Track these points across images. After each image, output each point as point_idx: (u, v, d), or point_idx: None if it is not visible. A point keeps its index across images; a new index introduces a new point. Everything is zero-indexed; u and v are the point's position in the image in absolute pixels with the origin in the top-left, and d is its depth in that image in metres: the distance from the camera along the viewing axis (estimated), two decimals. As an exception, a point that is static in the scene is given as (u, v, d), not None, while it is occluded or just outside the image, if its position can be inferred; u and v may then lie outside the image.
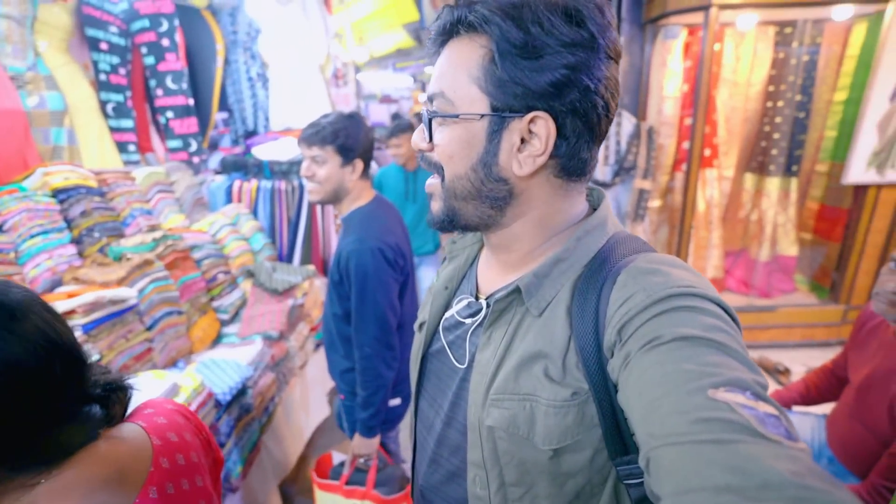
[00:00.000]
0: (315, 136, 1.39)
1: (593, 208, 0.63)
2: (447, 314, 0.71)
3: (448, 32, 0.55)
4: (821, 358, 3.12)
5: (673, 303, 0.46)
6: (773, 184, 3.11)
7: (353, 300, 1.39)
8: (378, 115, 7.81)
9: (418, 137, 0.59)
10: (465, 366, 0.65)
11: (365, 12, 4.76)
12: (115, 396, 0.67)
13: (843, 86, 2.89)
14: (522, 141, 0.54)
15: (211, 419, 1.49)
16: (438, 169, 0.58)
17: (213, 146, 3.26)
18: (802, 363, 3.03)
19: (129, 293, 1.54)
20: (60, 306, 1.34)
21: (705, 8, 2.55)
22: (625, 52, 3.09)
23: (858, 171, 2.83)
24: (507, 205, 0.58)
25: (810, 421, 1.54)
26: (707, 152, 2.97)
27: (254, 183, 2.76)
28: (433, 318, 0.73)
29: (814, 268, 3.45)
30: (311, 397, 2.39)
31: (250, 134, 3.37)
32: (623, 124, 2.94)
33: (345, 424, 1.68)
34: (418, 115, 6.33)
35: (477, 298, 0.67)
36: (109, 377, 0.68)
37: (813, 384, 1.58)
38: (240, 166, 2.94)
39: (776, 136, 3.00)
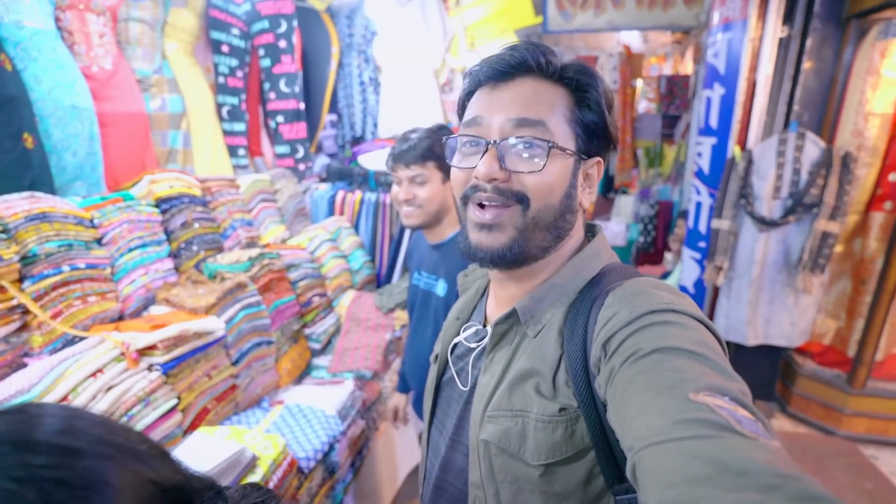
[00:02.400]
0: (412, 153, 1.23)
1: (588, 240, 0.67)
2: (455, 341, 0.74)
3: (524, 70, 0.59)
4: None
5: (654, 318, 0.48)
6: None
7: None
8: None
9: (494, 167, 0.57)
10: (469, 389, 0.68)
11: (480, 16, 4.53)
12: None
13: None
14: (584, 179, 0.62)
15: (292, 490, 1.24)
16: (519, 198, 0.58)
17: (319, 149, 3.16)
18: None
19: (216, 325, 1.35)
20: (141, 340, 1.16)
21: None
22: (812, 58, 2.44)
23: None
24: (566, 235, 0.62)
25: None
26: (927, 188, 2.22)
27: (358, 194, 2.57)
28: (444, 348, 0.76)
29: None
30: (400, 442, 2.11)
31: (357, 140, 3.23)
32: (806, 148, 2.30)
33: None
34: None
35: (484, 326, 0.71)
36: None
37: None
38: (345, 175, 2.79)
39: None
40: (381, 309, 2.10)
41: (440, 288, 1.30)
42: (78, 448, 0.31)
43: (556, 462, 0.56)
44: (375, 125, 3.19)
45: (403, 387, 1.62)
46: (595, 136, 0.60)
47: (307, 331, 1.91)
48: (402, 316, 2.11)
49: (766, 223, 2.39)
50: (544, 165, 0.56)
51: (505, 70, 0.59)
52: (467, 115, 0.62)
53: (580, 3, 3.50)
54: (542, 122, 0.57)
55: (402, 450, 2.13)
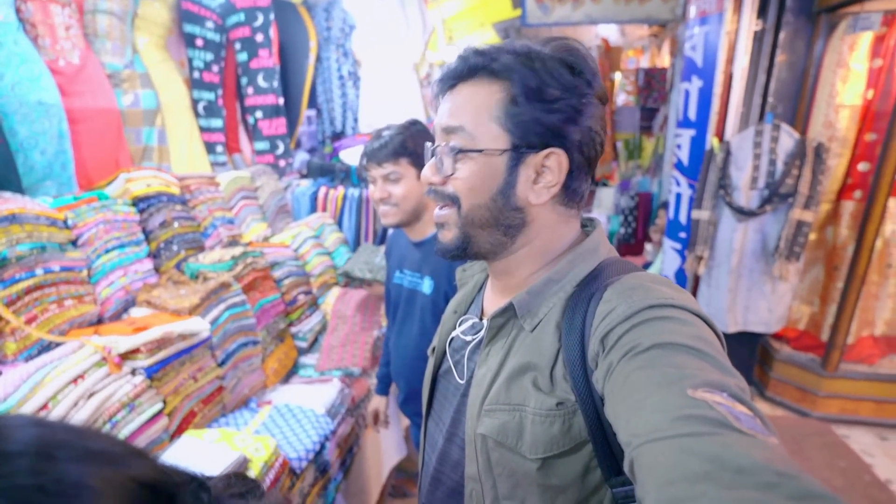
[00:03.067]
0: (384, 150, 1.20)
1: (586, 235, 0.66)
2: (452, 335, 0.75)
3: (463, 76, 0.61)
4: None
5: (652, 313, 0.48)
6: (984, 221, 2.38)
7: None
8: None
9: (429, 171, 0.63)
10: (465, 381, 0.69)
11: (458, 8, 4.50)
12: None
13: None
14: (537, 174, 0.60)
15: (284, 491, 1.22)
16: (453, 199, 0.62)
17: (299, 144, 3.11)
18: None
19: (201, 325, 1.31)
20: (123, 344, 1.12)
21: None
22: (785, 51, 2.50)
23: None
24: (518, 232, 0.63)
25: None
26: None
27: (340, 190, 2.54)
28: (442, 341, 0.77)
29: None
30: (387, 439, 2.10)
31: (337, 136, 3.18)
32: (781, 140, 2.36)
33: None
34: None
35: (481, 319, 0.72)
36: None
37: None
38: (326, 171, 2.75)
39: None
40: (353, 275, 2.06)
41: (426, 286, 1.27)
42: (52, 454, 0.30)
43: (553, 456, 0.56)
44: (356, 120, 3.14)
45: (383, 389, 1.59)
46: (533, 128, 0.58)
47: (293, 329, 1.88)
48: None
49: (744, 213, 2.45)
50: (455, 169, 0.60)
51: (448, 81, 0.62)
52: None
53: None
54: (461, 128, 0.59)
55: (387, 445, 2.12)
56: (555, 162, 0.60)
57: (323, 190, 2.55)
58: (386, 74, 3.05)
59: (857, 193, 2.48)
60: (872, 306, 2.60)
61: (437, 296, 1.24)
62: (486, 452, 0.61)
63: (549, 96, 0.57)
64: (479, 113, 0.59)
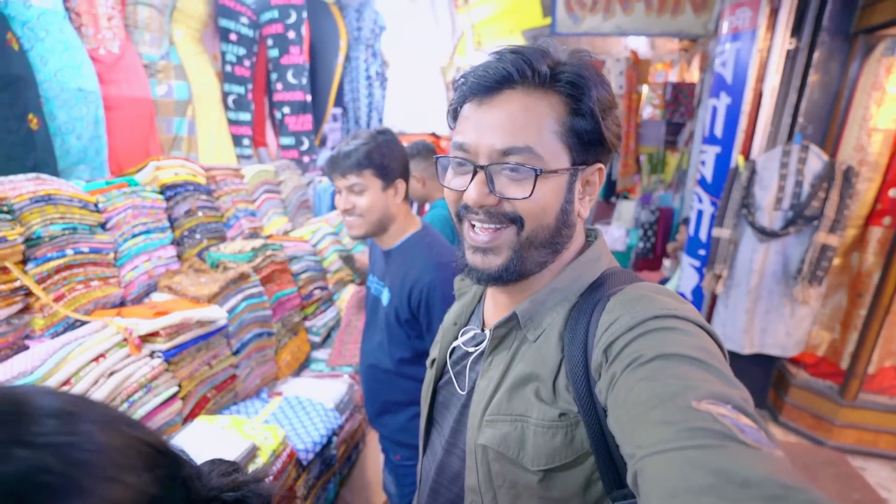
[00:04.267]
0: (346, 161, 1.17)
1: (588, 244, 0.66)
2: (453, 345, 0.73)
3: (514, 83, 0.55)
4: None
5: (656, 324, 0.48)
6: None
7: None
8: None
9: (484, 193, 0.57)
10: (467, 392, 0.68)
11: (488, 14, 4.52)
12: None
13: None
14: (583, 187, 0.60)
15: (290, 482, 1.24)
16: (513, 220, 0.58)
17: (323, 142, 3.16)
18: None
19: (219, 314, 1.35)
20: (144, 326, 1.16)
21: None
22: (819, 71, 2.45)
23: None
24: (563, 248, 0.62)
25: None
26: (927, 205, 2.24)
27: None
28: (442, 353, 0.75)
29: None
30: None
31: (361, 135, 3.22)
32: (809, 161, 2.31)
33: (392, 490, 1.35)
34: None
35: (482, 330, 0.70)
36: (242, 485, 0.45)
37: None
38: (348, 169, 2.78)
39: None
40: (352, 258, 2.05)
41: (385, 296, 1.25)
42: (78, 417, 0.33)
43: (555, 468, 0.55)
44: (381, 120, 3.18)
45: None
46: (591, 144, 0.57)
47: (307, 323, 1.91)
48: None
49: (766, 233, 2.40)
50: (532, 191, 0.55)
51: (490, 85, 0.56)
52: (457, 135, 0.60)
53: (589, 6, 3.50)
54: (529, 148, 0.55)
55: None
56: (598, 176, 0.61)
57: (343, 187, 2.58)
58: (413, 76, 3.08)
59: (887, 220, 2.41)
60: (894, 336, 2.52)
61: (390, 310, 1.21)
62: (486, 464, 0.61)
63: (608, 109, 0.57)
64: (542, 130, 0.55)
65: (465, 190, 0.58)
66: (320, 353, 1.90)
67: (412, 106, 3.04)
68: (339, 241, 2.26)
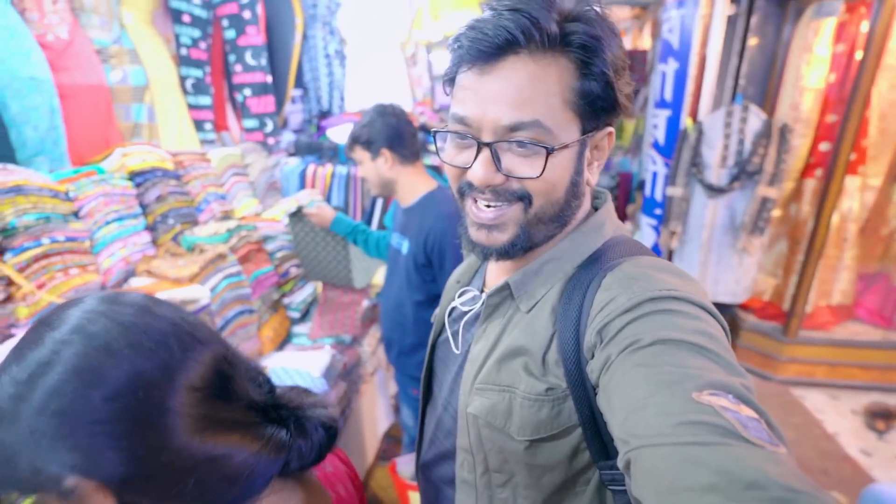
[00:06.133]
0: (348, 141, 1.48)
1: (595, 209, 0.63)
2: (451, 305, 0.73)
3: (519, 47, 0.49)
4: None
5: (654, 306, 0.45)
6: (932, 198, 2.56)
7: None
8: (449, 98, 7.53)
9: (486, 172, 0.53)
10: (462, 354, 0.68)
11: (444, -14, 4.48)
12: (311, 428, 0.51)
13: None
14: (592, 153, 0.57)
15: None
16: (521, 197, 0.55)
17: (286, 124, 3.13)
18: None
19: (201, 292, 1.39)
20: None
21: (878, -22, 2.05)
22: (756, 34, 2.61)
23: None
24: (572, 219, 0.59)
25: None
26: (852, 156, 2.47)
27: (328, 168, 2.59)
28: (442, 310, 0.76)
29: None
30: (377, 405, 2.22)
31: (324, 114, 3.21)
32: (749, 120, 2.49)
33: (410, 423, 1.66)
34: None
35: (482, 292, 0.69)
36: (309, 407, 0.53)
37: None
38: (314, 149, 2.79)
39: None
40: (356, 286, 2.15)
41: (405, 247, 1.49)
42: (152, 312, 0.44)
43: (540, 438, 0.56)
44: (343, 99, 3.18)
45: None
46: (603, 109, 0.53)
47: (286, 300, 1.96)
48: (376, 283, 2.19)
49: (714, 190, 2.59)
50: (543, 170, 0.52)
51: (491, 52, 0.50)
52: (455, 106, 0.55)
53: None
54: (537, 122, 0.50)
55: (380, 412, 2.24)
56: (608, 140, 0.57)
57: (311, 168, 2.61)
58: (372, 53, 3.08)
59: (819, 172, 2.64)
60: (830, 278, 2.79)
61: (409, 257, 1.46)
62: (476, 428, 0.61)
63: (621, 68, 0.52)
64: (550, 100, 0.50)
65: (468, 167, 0.54)
66: (301, 328, 1.96)
67: (373, 82, 3.05)
68: (311, 220, 2.30)
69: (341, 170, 2.57)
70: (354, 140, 1.45)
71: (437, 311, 0.78)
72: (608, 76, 0.51)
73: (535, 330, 0.57)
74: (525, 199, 0.54)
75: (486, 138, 0.52)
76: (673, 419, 0.36)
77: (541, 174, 0.52)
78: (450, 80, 0.57)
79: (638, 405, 0.39)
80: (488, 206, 0.56)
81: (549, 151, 0.51)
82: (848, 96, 2.31)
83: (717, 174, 2.60)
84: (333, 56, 3.09)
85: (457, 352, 0.69)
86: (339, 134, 2.92)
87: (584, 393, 0.52)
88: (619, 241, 0.59)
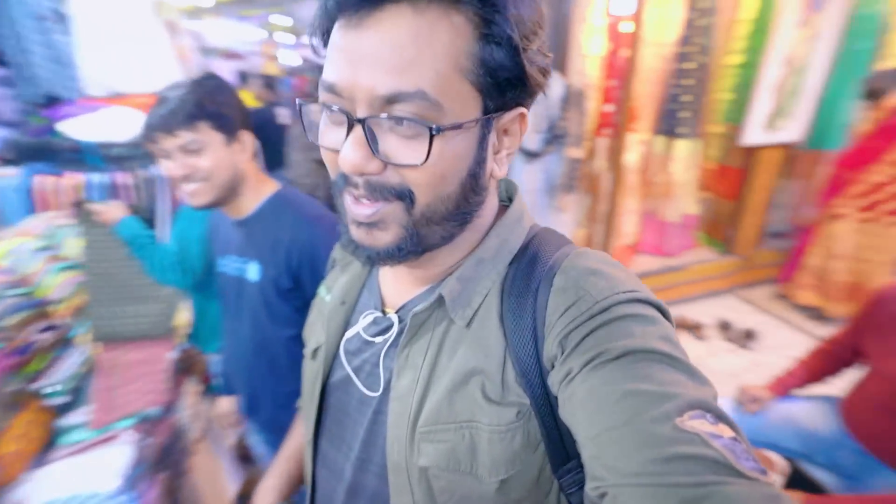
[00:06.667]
0: (175, 117, 0.95)
1: (501, 200, 0.57)
2: (348, 334, 0.60)
3: None
4: (722, 307, 3.40)
5: (617, 311, 0.42)
6: (680, 146, 3.18)
7: None
8: (221, 74, 6.62)
9: (359, 155, 0.41)
10: (380, 394, 0.56)
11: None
12: None
13: (738, 49, 2.99)
14: (498, 139, 0.47)
15: None
16: (398, 194, 0.44)
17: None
18: (711, 315, 3.25)
19: None
20: None
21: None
22: (546, 4, 2.75)
23: (754, 132, 3.00)
24: (474, 217, 0.50)
25: (821, 407, 1.48)
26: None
27: (72, 178, 1.85)
28: (331, 340, 0.62)
29: (706, 223, 3.72)
30: (219, 473, 1.74)
31: (51, 101, 2.30)
32: (554, 87, 2.64)
33: None
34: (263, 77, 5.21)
35: (384, 313, 0.58)
36: None
37: (817, 368, 1.53)
38: (42, 151, 1.97)
39: (686, 98, 3.01)
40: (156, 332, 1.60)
41: (252, 272, 1.09)
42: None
43: (515, 472, 0.49)
44: (75, 79, 2.31)
45: (229, 388, 1.39)
46: (510, 83, 0.43)
47: (36, 385, 1.32)
48: (182, 323, 1.68)
49: (531, 155, 2.72)
50: (427, 156, 0.41)
51: (357, 4, 0.39)
52: (326, 71, 0.43)
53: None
54: (422, 93, 0.39)
55: (224, 476, 1.78)
56: (521, 122, 0.48)
57: (41, 180, 1.82)
58: (111, 14, 2.29)
59: (608, 131, 3.01)
60: (621, 222, 3.27)
61: (266, 283, 1.07)
62: (426, 482, 0.51)
63: (532, 33, 0.42)
64: (439, 66, 0.39)
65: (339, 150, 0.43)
66: (75, 417, 1.36)
67: (123, 55, 2.28)
68: (57, 256, 1.61)
69: (97, 179, 1.86)
70: (197, 114, 0.96)
71: (320, 343, 0.63)
72: (514, 40, 0.40)
73: (485, 346, 0.49)
74: (405, 197, 0.44)
75: (360, 113, 0.41)
76: (658, 452, 0.33)
77: (425, 161, 0.41)
78: (322, 38, 0.45)
79: (616, 433, 0.36)
80: (364, 201, 0.46)
81: (436, 132, 0.40)
82: (622, 64, 2.63)
83: (532, 140, 2.73)
84: (49, 17, 2.20)
85: (370, 393, 0.56)
86: (84, 127, 2.11)
87: (547, 405, 0.47)
88: (542, 232, 0.55)
